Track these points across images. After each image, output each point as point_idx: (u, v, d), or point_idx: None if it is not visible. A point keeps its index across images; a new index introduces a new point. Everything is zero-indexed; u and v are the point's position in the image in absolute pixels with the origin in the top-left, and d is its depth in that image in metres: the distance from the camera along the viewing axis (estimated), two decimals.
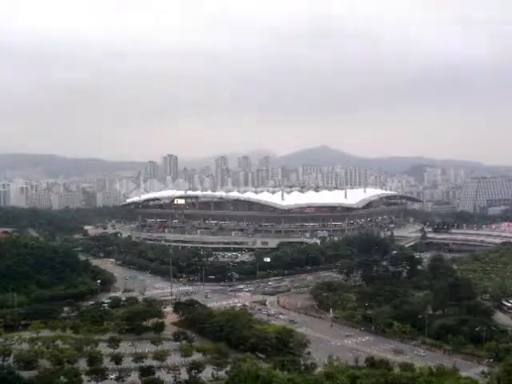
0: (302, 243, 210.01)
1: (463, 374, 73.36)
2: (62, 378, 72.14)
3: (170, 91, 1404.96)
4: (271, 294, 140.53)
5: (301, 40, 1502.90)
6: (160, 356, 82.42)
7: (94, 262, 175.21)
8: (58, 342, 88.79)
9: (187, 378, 75.31)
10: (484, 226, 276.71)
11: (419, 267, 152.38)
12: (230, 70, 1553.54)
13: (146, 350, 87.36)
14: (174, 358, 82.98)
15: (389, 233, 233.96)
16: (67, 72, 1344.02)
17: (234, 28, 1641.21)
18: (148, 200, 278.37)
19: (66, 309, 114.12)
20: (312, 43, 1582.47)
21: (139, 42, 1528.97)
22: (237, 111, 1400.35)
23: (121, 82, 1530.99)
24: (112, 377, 75.25)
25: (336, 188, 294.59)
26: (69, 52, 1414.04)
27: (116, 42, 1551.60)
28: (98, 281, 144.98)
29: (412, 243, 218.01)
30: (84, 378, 73.65)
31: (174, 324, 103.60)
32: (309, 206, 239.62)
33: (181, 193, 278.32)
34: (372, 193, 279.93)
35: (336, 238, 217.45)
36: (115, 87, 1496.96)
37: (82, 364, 78.79)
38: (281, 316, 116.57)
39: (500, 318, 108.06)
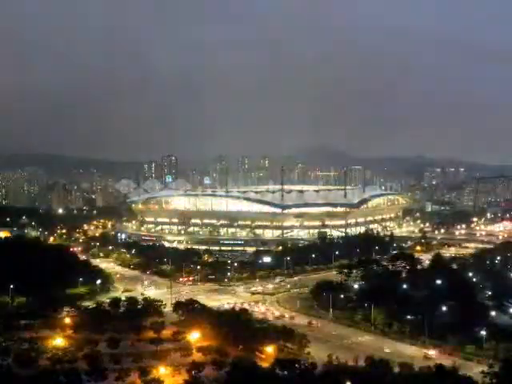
0: (301, 243, 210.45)
1: (463, 374, 73.38)
2: (61, 377, 72.03)
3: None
4: (271, 294, 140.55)
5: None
6: (160, 356, 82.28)
7: (94, 261, 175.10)
8: (58, 342, 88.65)
9: (187, 377, 75.19)
10: (484, 226, 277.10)
11: (419, 267, 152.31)
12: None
13: (146, 350, 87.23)
14: (174, 358, 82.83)
15: (388, 232, 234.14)
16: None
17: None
18: (148, 200, 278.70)
19: (65, 309, 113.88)
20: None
21: None
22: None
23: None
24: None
25: (336, 188, 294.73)
26: None
27: None
28: (98, 281, 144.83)
29: (412, 243, 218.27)
30: (84, 377, 73.56)
31: (173, 324, 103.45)
32: (308, 206, 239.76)
33: (181, 192, 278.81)
34: (372, 192, 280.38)
35: (336, 238, 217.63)
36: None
37: (82, 364, 78.69)
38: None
39: (500, 318, 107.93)
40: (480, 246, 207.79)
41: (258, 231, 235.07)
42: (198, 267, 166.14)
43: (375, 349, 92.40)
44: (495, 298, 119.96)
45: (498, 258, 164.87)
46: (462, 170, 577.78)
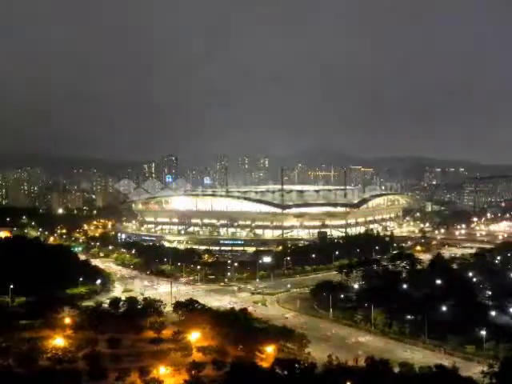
0: (301, 243, 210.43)
1: (463, 374, 73.40)
2: (61, 377, 72.00)
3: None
4: (271, 294, 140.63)
5: None
6: (160, 356, 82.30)
7: (94, 261, 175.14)
8: (58, 342, 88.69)
9: (187, 377, 75.19)
10: (484, 226, 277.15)
11: (419, 267, 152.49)
12: None
13: (146, 350, 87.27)
14: (174, 358, 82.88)
15: (388, 232, 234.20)
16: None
17: None
18: (148, 200, 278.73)
19: (65, 309, 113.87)
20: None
21: None
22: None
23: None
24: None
25: (336, 188, 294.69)
26: None
27: None
28: (98, 281, 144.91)
29: (412, 243, 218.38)
30: (84, 377, 73.60)
31: (173, 324, 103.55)
32: (308, 206, 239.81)
33: (181, 192, 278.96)
34: (372, 192, 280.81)
35: (336, 238, 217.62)
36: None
37: (82, 364, 78.71)
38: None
39: (500, 318, 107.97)
40: (480, 245, 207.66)
41: (258, 231, 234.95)
42: (198, 267, 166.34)
43: (375, 349, 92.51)
44: (495, 298, 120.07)
45: (498, 257, 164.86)
46: (461, 169, 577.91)
